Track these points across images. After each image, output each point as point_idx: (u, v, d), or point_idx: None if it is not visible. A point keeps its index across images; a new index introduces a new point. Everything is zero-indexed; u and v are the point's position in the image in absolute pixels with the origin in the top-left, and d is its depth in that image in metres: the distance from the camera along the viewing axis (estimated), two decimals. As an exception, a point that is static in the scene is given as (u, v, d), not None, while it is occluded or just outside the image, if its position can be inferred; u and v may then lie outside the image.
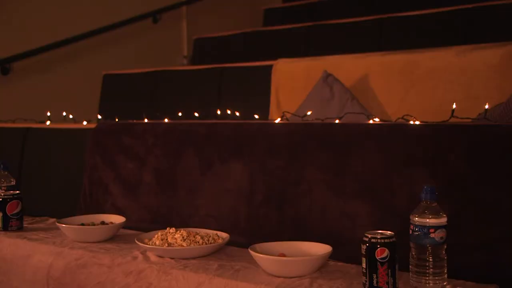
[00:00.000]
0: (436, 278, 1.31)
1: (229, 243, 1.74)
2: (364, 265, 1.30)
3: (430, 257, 1.30)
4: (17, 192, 2.08)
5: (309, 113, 2.36)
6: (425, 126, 1.74)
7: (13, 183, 2.18)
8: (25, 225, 2.10)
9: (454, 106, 1.99)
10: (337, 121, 2.11)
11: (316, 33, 3.99)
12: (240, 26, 4.72)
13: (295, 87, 2.97)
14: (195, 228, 1.81)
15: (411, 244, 1.32)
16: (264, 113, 2.98)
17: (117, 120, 2.62)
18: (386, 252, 1.28)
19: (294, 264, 1.44)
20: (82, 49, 3.94)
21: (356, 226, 1.66)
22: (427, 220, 1.30)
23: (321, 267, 1.48)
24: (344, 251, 1.60)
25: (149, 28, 4.46)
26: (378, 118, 2.23)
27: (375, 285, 1.29)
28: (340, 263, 1.52)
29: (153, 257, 1.64)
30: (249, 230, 1.89)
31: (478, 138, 1.61)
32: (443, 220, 1.31)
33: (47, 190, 2.62)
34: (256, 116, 2.72)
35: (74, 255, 1.74)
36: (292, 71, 3.04)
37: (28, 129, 2.78)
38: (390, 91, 2.71)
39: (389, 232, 1.31)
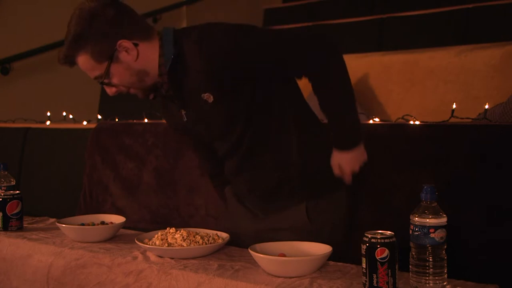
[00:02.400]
0: (436, 278, 1.30)
1: (229, 243, 1.73)
2: (364, 265, 1.30)
3: (430, 257, 1.30)
4: (17, 192, 2.07)
5: (309, 113, 2.35)
6: (425, 126, 1.74)
7: (13, 183, 2.17)
8: (25, 225, 2.09)
9: (454, 106, 1.99)
10: (337, 121, 2.10)
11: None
12: (240, 26, 4.72)
13: (295, 87, 2.96)
14: (195, 228, 1.81)
15: (411, 244, 1.32)
16: (264, 113, 2.97)
17: (117, 120, 2.62)
18: (386, 252, 1.28)
19: (294, 264, 1.44)
20: (82, 49, 3.94)
21: (356, 226, 1.66)
22: (427, 220, 1.30)
23: (321, 267, 1.48)
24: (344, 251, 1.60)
25: (149, 28, 4.45)
26: (378, 118, 2.22)
27: (375, 285, 1.29)
28: (340, 263, 1.52)
29: (153, 257, 1.64)
30: (249, 230, 1.88)
31: (478, 138, 1.61)
32: (443, 220, 1.31)
33: (47, 190, 2.62)
34: (256, 116, 2.71)
35: (74, 255, 1.74)
36: (292, 71, 3.03)
37: (28, 129, 2.78)
38: (390, 91, 2.71)
39: (389, 232, 1.31)
